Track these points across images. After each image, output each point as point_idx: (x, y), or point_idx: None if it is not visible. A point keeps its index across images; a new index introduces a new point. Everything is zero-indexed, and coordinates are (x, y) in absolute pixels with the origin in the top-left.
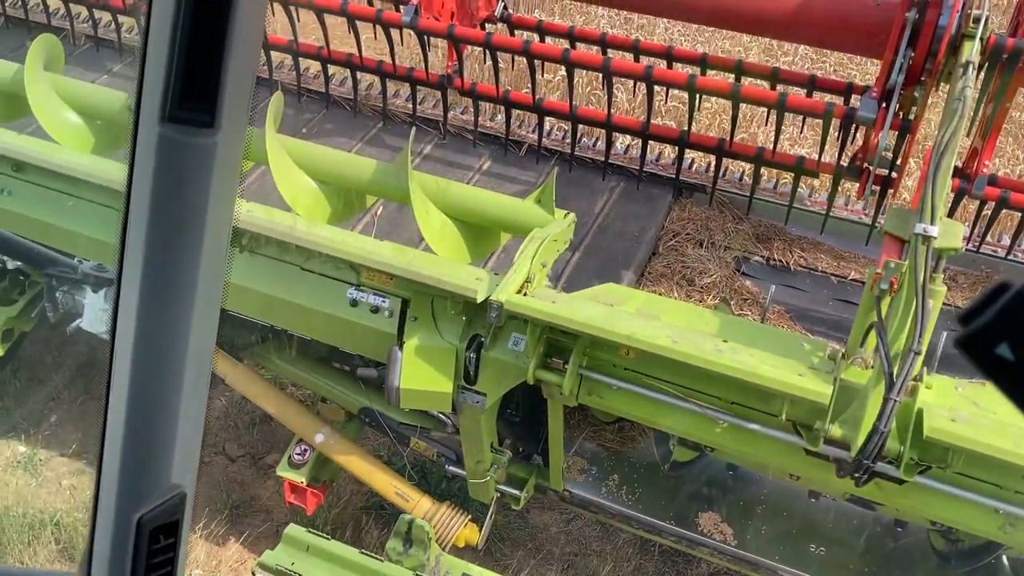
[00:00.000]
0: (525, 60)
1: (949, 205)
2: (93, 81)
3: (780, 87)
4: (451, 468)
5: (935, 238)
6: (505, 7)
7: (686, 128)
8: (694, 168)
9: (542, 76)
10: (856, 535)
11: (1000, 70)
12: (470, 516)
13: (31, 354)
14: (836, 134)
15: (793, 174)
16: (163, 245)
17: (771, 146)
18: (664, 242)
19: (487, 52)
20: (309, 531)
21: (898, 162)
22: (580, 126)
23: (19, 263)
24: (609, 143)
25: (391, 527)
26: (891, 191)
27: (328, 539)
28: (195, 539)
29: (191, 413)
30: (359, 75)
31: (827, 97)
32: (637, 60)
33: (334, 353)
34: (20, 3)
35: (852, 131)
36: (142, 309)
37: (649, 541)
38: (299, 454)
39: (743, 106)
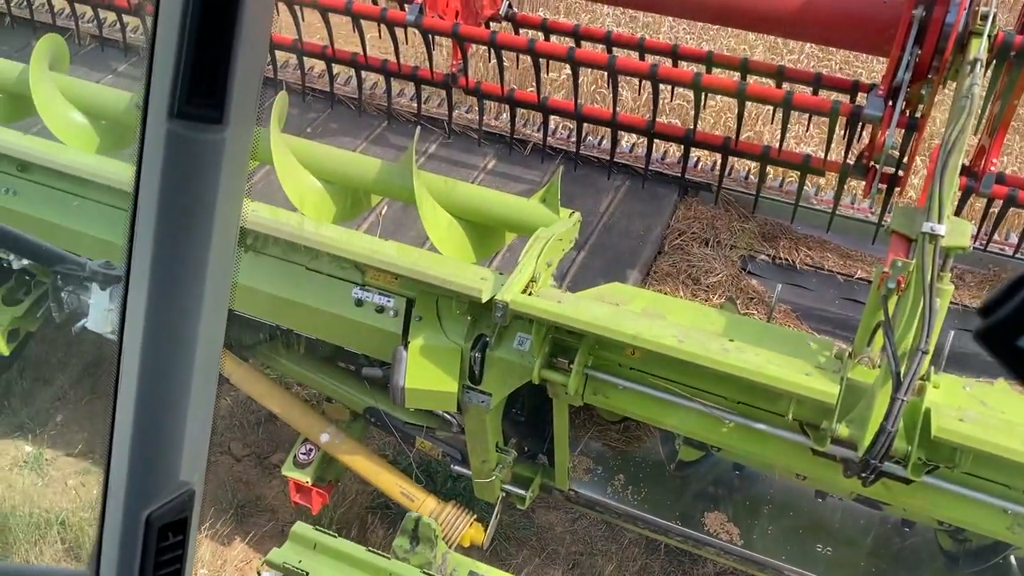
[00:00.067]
0: (530, 59)
1: (956, 203)
2: (98, 81)
3: (786, 85)
4: (456, 468)
5: (942, 236)
6: (510, 5)
7: (692, 127)
8: (700, 167)
9: (547, 75)
10: (863, 535)
11: (1008, 67)
12: (475, 516)
13: (37, 354)
14: (842, 132)
15: (799, 172)
16: (172, 241)
17: (777, 144)
18: (670, 241)
19: (492, 51)
20: (316, 529)
21: (905, 160)
22: (585, 125)
23: (25, 262)
24: (614, 142)
25: (396, 527)
26: (898, 189)
27: (335, 537)
28: (200, 539)
29: (199, 410)
30: (364, 74)
31: (833, 95)
32: (642, 58)
33: (339, 353)
34: (25, 3)
35: (858, 129)
36: (151, 306)
37: (655, 541)
38: (304, 454)
39: (749, 104)
